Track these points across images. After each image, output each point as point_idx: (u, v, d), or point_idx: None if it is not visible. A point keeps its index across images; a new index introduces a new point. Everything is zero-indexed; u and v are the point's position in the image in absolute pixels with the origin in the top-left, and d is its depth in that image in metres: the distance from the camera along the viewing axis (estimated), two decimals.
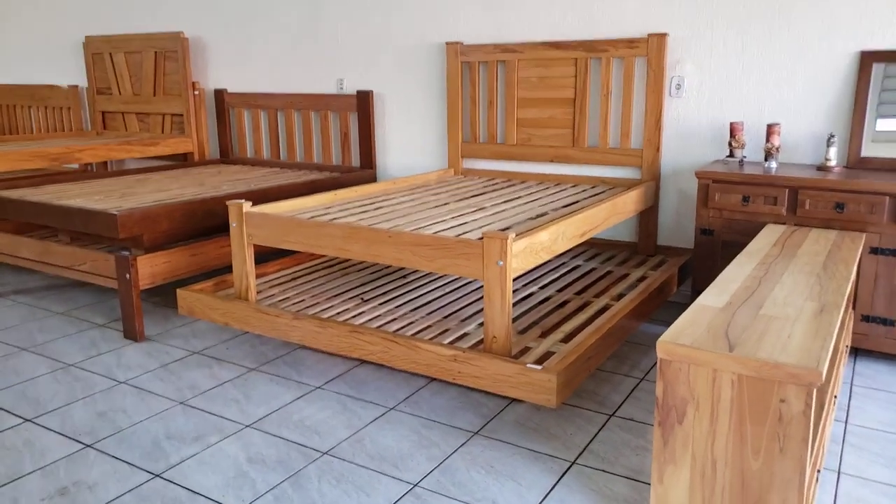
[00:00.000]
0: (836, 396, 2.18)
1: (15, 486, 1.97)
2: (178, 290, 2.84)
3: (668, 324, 3.18)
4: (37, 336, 3.13)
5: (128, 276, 2.94)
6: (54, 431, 2.28)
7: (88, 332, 3.15)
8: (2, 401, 2.51)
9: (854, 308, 2.69)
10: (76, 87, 5.47)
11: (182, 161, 5.01)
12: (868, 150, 2.89)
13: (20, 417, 2.38)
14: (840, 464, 2.02)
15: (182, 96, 4.81)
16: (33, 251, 3.37)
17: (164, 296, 3.67)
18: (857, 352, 2.83)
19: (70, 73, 5.64)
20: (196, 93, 4.82)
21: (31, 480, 1.99)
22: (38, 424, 2.33)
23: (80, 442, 2.20)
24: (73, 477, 2.00)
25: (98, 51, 5.20)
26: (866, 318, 2.67)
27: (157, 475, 2.00)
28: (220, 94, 4.75)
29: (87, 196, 3.45)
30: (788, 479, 1.50)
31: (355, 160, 4.32)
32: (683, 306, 3.39)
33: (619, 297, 2.90)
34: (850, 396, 2.44)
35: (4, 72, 6.05)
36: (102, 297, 3.66)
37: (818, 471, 1.78)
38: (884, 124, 2.86)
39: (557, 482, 1.95)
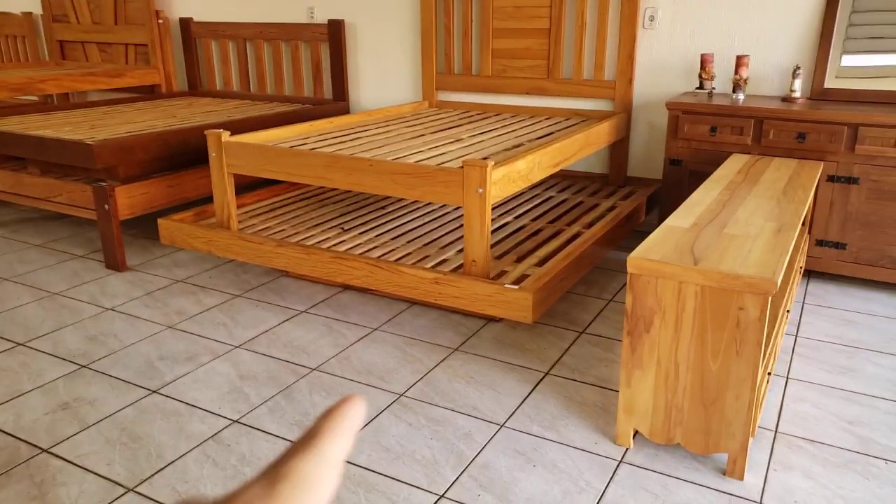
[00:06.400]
0: (788, 311, 2.35)
1: (17, 402, 2.05)
2: (160, 220, 2.87)
3: None
4: (17, 267, 3.15)
5: (106, 206, 2.96)
6: (48, 353, 2.35)
7: (69, 263, 3.18)
8: None
9: (810, 233, 2.85)
10: (30, 13, 5.28)
11: (149, 93, 4.93)
12: (831, 82, 3.00)
13: (11, 342, 2.44)
14: (788, 370, 2.20)
15: (146, 25, 4.69)
16: (6, 183, 3.35)
17: (141, 227, 3.69)
18: (810, 273, 3.01)
19: None
20: (160, 21, 4.70)
21: (33, 397, 2.07)
22: (30, 348, 2.39)
23: (75, 363, 2.28)
24: (72, 394, 2.09)
25: None
26: (820, 243, 2.84)
27: (155, 391, 2.10)
28: (185, 23, 4.65)
29: (55, 127, 3.42)
30: (743, 378, 1.65)
31: (328, 92, 4.31)
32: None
33: (590, 225, 3.02)
34: (801, 313, 2.62)
35: None
36: (79, 229, 3.67)
37: (769, 374, 1.94)
38: (849, 60, 2.96)
39: (532, 390, 2.10)
